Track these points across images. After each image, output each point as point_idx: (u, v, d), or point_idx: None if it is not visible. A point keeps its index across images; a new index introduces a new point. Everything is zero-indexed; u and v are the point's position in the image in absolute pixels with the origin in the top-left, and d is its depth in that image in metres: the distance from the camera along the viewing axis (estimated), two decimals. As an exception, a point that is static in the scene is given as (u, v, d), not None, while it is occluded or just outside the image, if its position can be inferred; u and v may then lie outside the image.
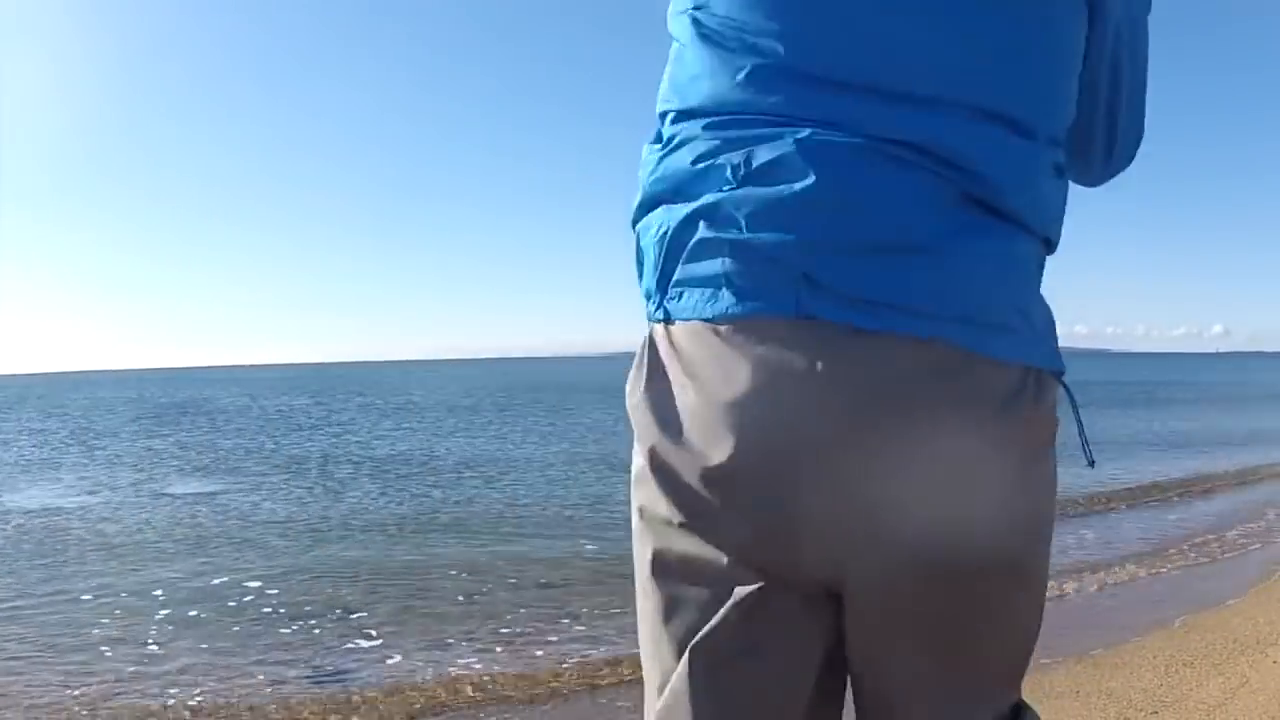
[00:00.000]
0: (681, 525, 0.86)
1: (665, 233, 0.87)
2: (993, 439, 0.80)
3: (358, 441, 18.89)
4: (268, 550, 7.88)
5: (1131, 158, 1.05)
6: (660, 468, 0.87)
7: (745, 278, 0.82)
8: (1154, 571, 5.88)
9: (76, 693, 4.33)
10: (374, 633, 5.19)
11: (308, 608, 5.79)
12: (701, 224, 0.84)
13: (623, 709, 3.79)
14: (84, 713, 4.10)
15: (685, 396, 0.85)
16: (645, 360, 0.91)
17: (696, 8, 0.90)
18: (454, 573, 6.72)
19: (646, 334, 0.92)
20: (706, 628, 0.86)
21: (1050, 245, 0.90)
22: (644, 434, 0.89)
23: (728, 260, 0.82)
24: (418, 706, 4.02)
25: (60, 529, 9.12)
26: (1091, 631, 4.59)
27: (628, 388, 0.93)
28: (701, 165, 0.85)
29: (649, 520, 0.91)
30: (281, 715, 4.00)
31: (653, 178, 0.90)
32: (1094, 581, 5.41)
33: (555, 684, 4.18)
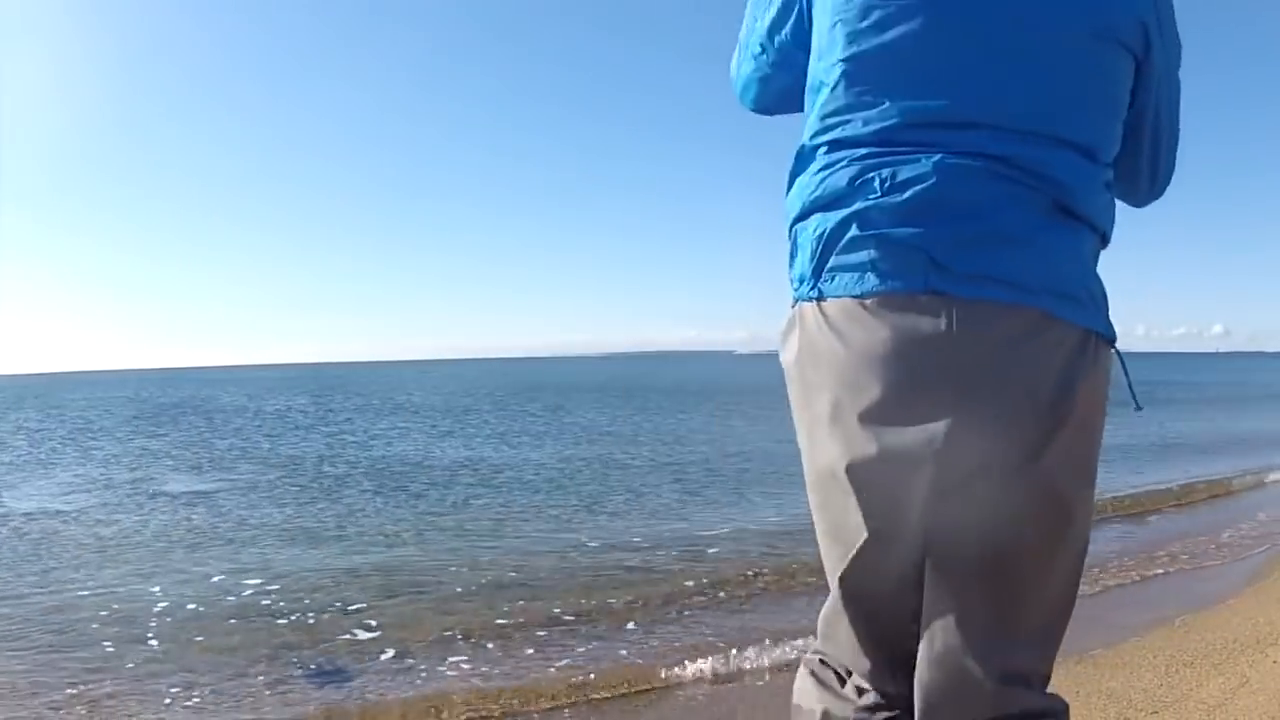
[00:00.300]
0: (847, 454, 1.15)
1: (823, 232, 1.16)
2: (1063, 382, 1.10)
3: (354, 441, 18.88)
4: (265, 550, 7.87)
5: (1167, 186, 1.38)
6: (833, 406, 1.16)
7: (887, 263, 1.12)
8: (1154, 572, 5.87)
9: (75, 691, 4.33)
10: (373, 632, 5.19)
11: (307, 606, 5.78)
12: (854, 225, 1.14)
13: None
14: (84, 712, 4.09)
15: (837, 355, 1.15)
16: (798, 328, 1.22)
17: (846, 60, 1.18)
18: (453, 570, 6.71)
19: (795, 309, 1.23)
20: (850, 558, 1.19)
21: (1105, 240, 1.22)
22: (814, 386, 1.19)
23: (873, 251, 1.12)
24: (418, 705, 4.01)
25: (57, 529, 9.11)
26: (1091, 631, 4.58)
27: (783, 349, 1.26)
28: (857, 183, 1.14)
29: (818, 445, 1.20)
30: (281, 714, 3.99)
31: (814, 195, 1.19)
32: (1094, 582, 5.40)
33: (553, 688, 4.16)
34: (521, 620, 5.32)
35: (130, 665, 4.68)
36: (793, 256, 1.24)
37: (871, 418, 1.13)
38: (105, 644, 5.08)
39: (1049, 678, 1.21)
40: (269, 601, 5.94)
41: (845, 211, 1.15)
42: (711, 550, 7.31)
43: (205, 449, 17.82)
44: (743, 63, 1.42)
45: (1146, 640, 4.09)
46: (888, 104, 1.15)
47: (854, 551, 1.18)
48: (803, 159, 1.24)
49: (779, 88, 1.39)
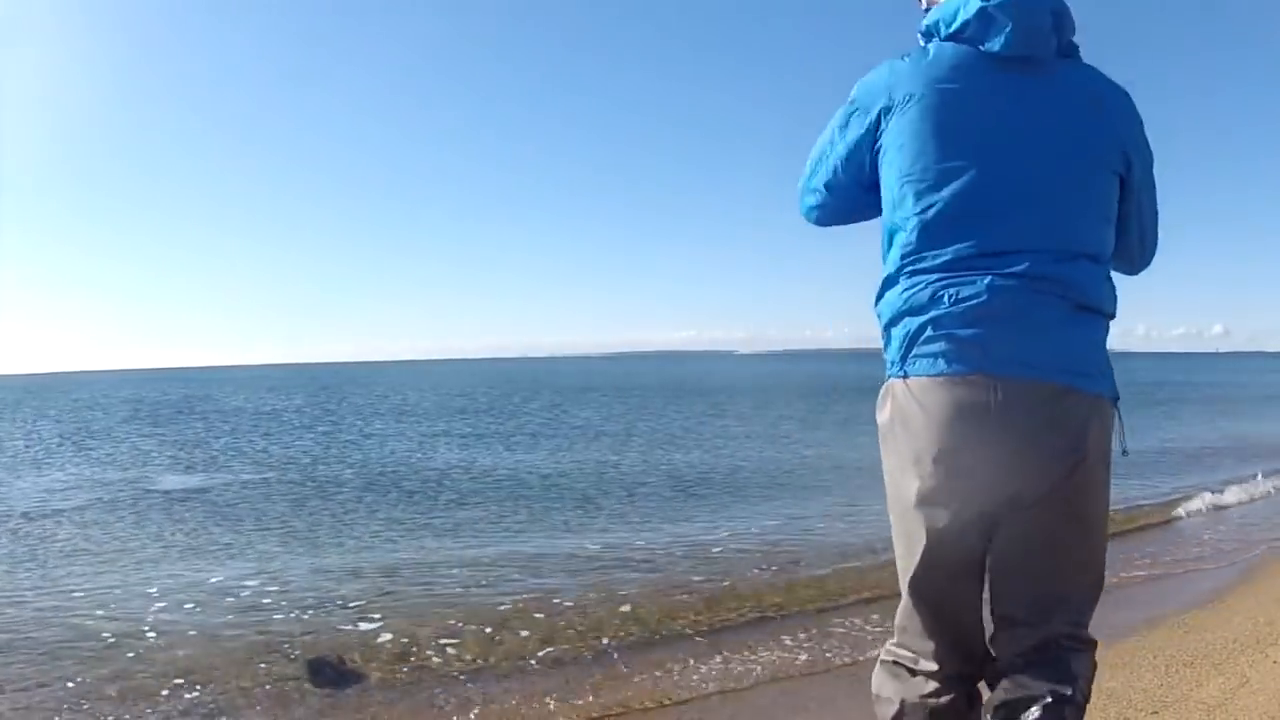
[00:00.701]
0: (921, 488, 1.63)
1: (909, 331, 1.63)
2: (1077, 433, 1.59)
3: (350, 441, 18.87)
4: (263, 549, 7.86)
5: (1154, 256, 1.87)
6: (915, 454, 1.63)
7: (953, 354, 1.59)
8: (1154, 572, 5.86)
9: (73, 688, 4.32)
10: (371, 630, 5.19)
11: (305, 607, 5.78)
12: (930, 327, 1.61)
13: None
14: (84, 712, 4.08)
15: (918, 418, 1.62)
16: (891, 397, 1.69)
17: (917, 214, 1.64)
18: (453, 570, 6.70)
19: (888, 384, 1.70)
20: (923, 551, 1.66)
21: (1112, 317, 1.69)
22: (901, 439, 1.66)
23: (943, 345, 1.59)
24: (418, 706, 4.01)
25: (54, 529, 9.09)
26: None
27: (879, 412, 1.72)
28: (932, 298, 1.62)
29: (902, 482, 1.67)
30: (279, 715, 3.99)
31: (902, 306, 1.66)
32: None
33: (554, 688, 4.16)
34: (523, 620, 5.32)
35: (129, 666, 4.68)
36: (886, 346, 1.71)
37: (943, 461, 1.60)
38: (104, 645, 5.08)
39: (1084, 627, 1.70)
40: (268, 601, 5.93)
41: (924, 317, 1.62)
42: (716, 549, 7.32)
43: (202, 449, 17.80)
44: (810, 191, 1.89)
45: (1146, 640, 4.08)
46: (950, 244, 1.63)
47: (923, 558, 1.66)
48: (890, 282, 1.70)
49: (837, 213, 1.90)
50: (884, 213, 1.73)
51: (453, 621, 5.31)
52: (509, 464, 14.05)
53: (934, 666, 1.70)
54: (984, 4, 1.64)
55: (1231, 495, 9.19)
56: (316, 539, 8.35)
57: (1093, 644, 1.69)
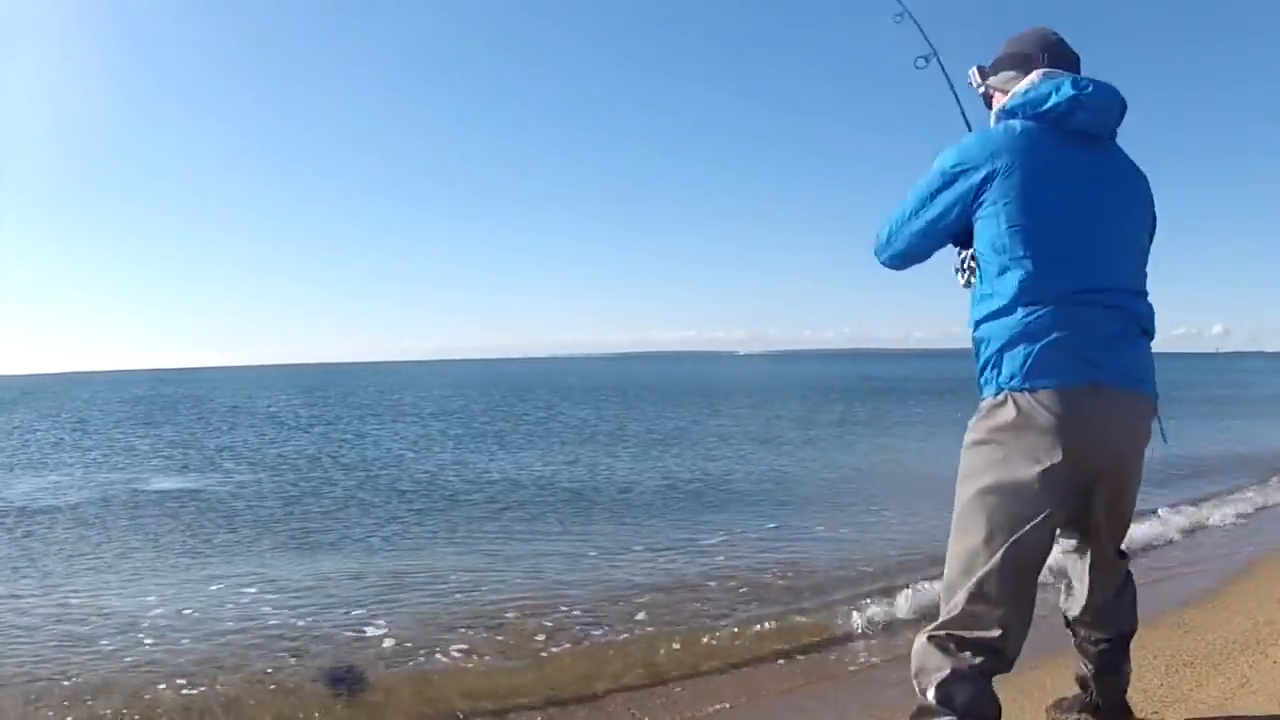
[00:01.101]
0: (1046, 472, 2.12)
1: (1030, 352, 2.10)
2: (1147, 426, 2.28)
3: (348, 441, 18.86)
4: (263, 549, 7.86)
5: None
6: (1043, 447, 2.12)
7: (1069, 369, 2.09)
8: (1154, 572, 5.85)
9: (69, 686, 4.33)
10: (370, 629, 5.20)
11: (304, 604, 5.78)
12: (1052, 349, 2.09)
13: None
14: (83, 713, 4.08)
15: (1045, 420, 2.11)
16: (1011, 406, 2.14)
17: (1026, 257, 2.12)
18: (451, 573, 6.69)
19: (1005, 395, 2.15)
20: (1026, 527, 2.16)
21: (1153, 338, 2.29)
22: (1026, 438, 2.13)
23: (1067, 362, 2.09)
24: (421, 707, 4.01)
25: (51, 529, 9.08)
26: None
27: (989, 418, 2.20)
28: (1050, 323, 2.10)
29: (1020, 469, 2.14)
30: (279, 713, 3.99)
31: (1020, 331, 2.12)
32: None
33: (554, 688, 4.16)
34: (523, 619, 5.32)
35: (129, 666, 4.68)
36: (995, 365, 2.17)
37: (1068, 450, 2.11)
38: (102, 644, 5.08)
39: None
40: (266, 599, 5.93)
41: (1044, 341, 2.10)
42: (713, 546, 7.32)
43: (198, 448, 17.79)
44: (897, 239, 2.36)
45: (1147, 641, 4.05)
46: (1057, 281, 2.11)
47: (1036, 525, 2.13)
48: (1004, 311, 2.15)
49: (917, 259, 2.39)
50: (987, 254, 2.18)
51: (454, 623, 5.32)
52: (511, 463, 14.04)
53: (997, 632, 2.15)
54: (1076, 92, 2.16)
55: (1232, 495, 9.19)
56: (316, 539, 8.34)
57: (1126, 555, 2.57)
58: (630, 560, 7.02)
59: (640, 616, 5.32)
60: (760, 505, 9.74)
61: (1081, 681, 2.66)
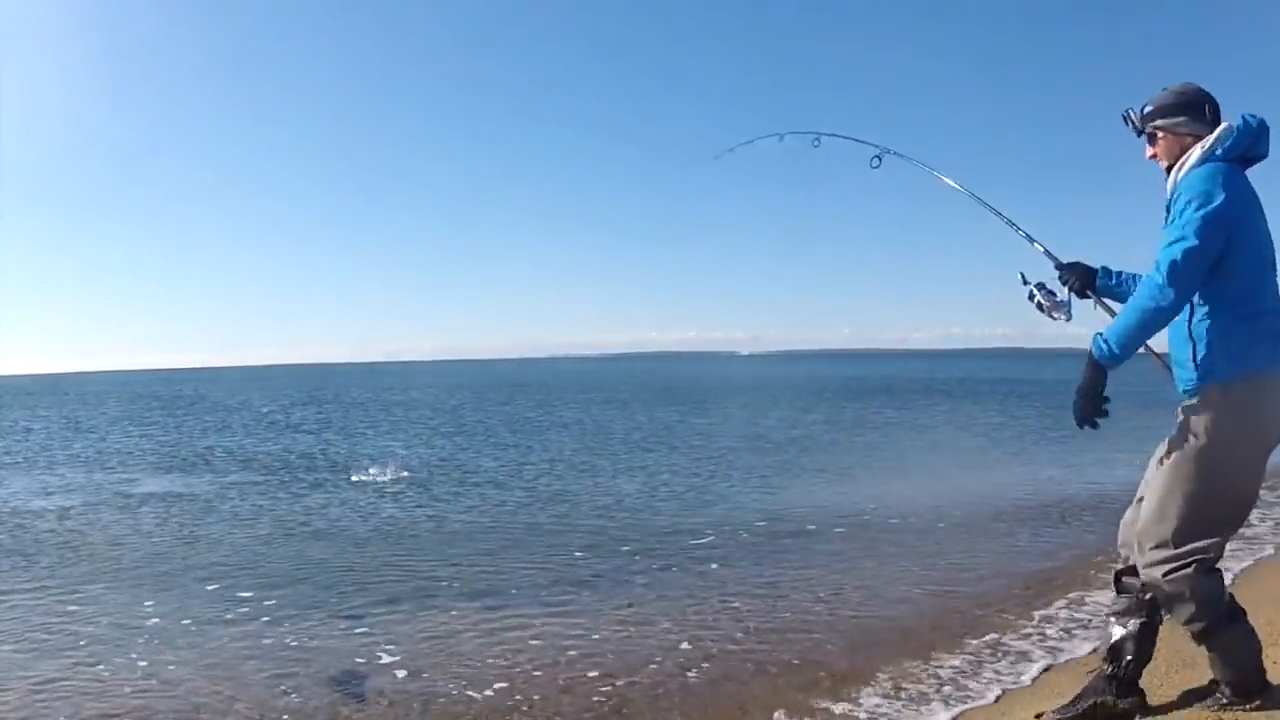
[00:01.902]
0: (1245, 465, 2.74)
1: (1271, 348, 2.68)
2: None
3: (347, 441, 18.84)
4: (257, 548, 7.84)
5: None
6: (1247, 432, 2.70)
7: (1272, 359, 2.68)
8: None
9: (70, 688, 4.33)
10: (368, 628, 5.21)
11: (303, 605, 5.78)
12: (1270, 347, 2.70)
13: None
14: (83, 713, 4.08)
15: (1260, 403, 2.69)
16: (1234, 390, 2.64)
17: (1257, 284, 2.66)
18: (451, 574, 6.68)
19: (1226, 382, 2.65)
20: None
21: None
22: (1240, 421, 2.67)
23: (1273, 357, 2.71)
24: (413, 702, 4.01)
25: (48, 529, 9.06)
26: (1094, 633, 4.57)
27: (1239, 415, 2.68)
28: (1270, 330, 2.69)
29: (1236, 456, 2.70)
30: (278, 713, 3.99)
31: (1255, 334, 2.64)
32: (1098, 583, 5.39)
33: (549, 686, 4.15)
34: (522, 619, 5.32)
35: (125, 666, 4.68)
36: (1244, 361, 2.64)
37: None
38: (97, 641, 5.09)
39: None
40: (264, 599, 5.92)
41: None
42: (708, 542, 7.33)
43: (194, 448, 17.75)
44: (1192, 274, 2.60)
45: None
46: (1270, 296, 2.69)
47: (1247, 505, 2.78)
48: (1242, 320, 2.63)
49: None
50: (1234, 279, 2.63)
51: (459, 622, 5.32)
52: (510, 464, 14.03)
53: (1218, 556, 2.77)
54: (1264, 130, 2.72)
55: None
56: (315, 539, 8.32)
57: None
58: (630, 558, 7.01)
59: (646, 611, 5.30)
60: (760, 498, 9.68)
61: (1114, 650, 2.94)
